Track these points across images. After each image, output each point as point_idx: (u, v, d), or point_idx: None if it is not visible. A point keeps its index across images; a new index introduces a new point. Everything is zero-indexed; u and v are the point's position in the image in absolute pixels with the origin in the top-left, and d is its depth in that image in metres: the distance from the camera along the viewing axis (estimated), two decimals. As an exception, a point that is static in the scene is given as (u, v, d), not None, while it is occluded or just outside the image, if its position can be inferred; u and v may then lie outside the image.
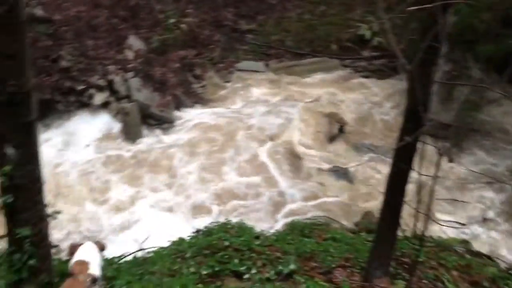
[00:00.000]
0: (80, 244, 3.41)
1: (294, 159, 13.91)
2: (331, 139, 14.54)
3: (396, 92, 15.46)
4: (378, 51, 17.07)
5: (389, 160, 4.78)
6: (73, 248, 3.40)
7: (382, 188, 4.82)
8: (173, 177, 12.67)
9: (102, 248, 3.36)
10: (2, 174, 3.10)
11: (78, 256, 3.28)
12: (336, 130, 14.70)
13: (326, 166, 13.52)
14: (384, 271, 4.87)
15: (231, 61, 17.73)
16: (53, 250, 3.69)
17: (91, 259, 3.29)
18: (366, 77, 17.03)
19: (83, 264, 3.26)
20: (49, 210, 3.55)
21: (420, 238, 5.35)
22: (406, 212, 5.40)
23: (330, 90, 16.63)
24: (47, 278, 3.53)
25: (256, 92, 16.48)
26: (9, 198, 3.19)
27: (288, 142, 14.32)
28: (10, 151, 3.11)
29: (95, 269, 3.23)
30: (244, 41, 18.29)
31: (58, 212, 3.63)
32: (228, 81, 17.13)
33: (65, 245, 4.34)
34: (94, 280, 3.18)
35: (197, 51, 17.04)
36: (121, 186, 12.23)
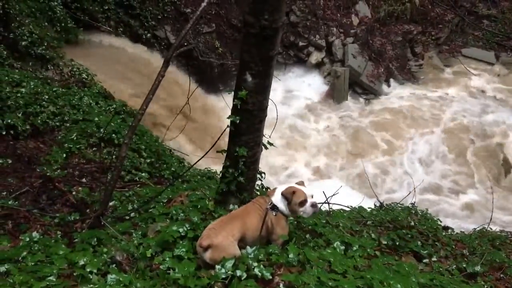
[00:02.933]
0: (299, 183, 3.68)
1: (502, 165, 12.56)
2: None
3: None
4: None
5: None
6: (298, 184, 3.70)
7: None
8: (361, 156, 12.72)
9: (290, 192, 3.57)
10: (238, 97, 3.51)
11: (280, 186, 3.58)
12: None
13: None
14: None
15: (458, 45, 16.44)
16: (258, 176, 4.11)
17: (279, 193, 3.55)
18: None
19: (274, 191, 3.54)
20: (264, 140, 3.92)
21: None
22: None
23: None
24: (248, 197, 3.97)
25: (478, 83, 15.08)
26: (237, 119, 3.61)
27: (501, 145, 12.93)
28: (249, 78, 3.49)
29: (276, 200, 3.49)
30: (478, 26, 16.65)
31: (271, 144, 3.99)
32: (448, 65, 15.99)
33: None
34: (274, 206, 3.45)
35: (422, 28, 16.20)
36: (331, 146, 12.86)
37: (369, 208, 6.97)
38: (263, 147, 3.90)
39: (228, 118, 3.75)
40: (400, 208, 7.06)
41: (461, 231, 7.65)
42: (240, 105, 3.60)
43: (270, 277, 3.02)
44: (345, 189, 11.04)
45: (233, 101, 3.61)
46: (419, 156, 12.56)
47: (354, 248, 4.02)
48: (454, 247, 5.23)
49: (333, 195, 5.85)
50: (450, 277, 4.24)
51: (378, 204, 7.58)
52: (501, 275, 5.14)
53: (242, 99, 3.54)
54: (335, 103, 14.06)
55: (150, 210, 4.43)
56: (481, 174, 12.06)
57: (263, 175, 4.16)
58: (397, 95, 14.46)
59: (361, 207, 6.76)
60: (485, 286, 4.48)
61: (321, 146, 12.77)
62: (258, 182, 4.21)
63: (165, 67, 4.37)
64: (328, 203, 5.78)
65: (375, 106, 14.14)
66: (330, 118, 13.61)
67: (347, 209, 6.67)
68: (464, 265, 4.74)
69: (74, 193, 5.22)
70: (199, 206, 4.12)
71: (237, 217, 3.41)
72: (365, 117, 13.80)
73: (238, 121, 3.66)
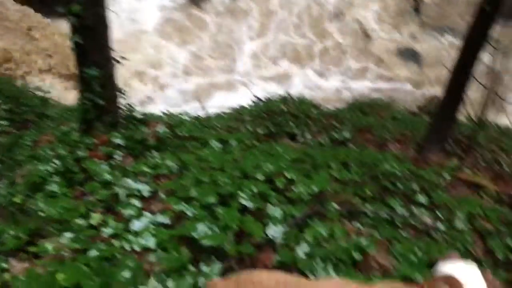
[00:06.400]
0: None
1: (362, 38, 13.34)
2: (405, 18, 13.67)
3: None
4: None
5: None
6: None
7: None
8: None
9: None
10: (71, 13, 3.21)
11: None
12: (410, 8, 13.72)
13: (396, 48, 12.94)
14: (440, 147, 4.82)
15: None
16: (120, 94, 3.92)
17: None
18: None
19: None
20: (115, 55, 3.71)
21: (480, 119, 5.22)
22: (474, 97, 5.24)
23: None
24: (114, 119, 3.82)
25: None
26: (78, 39, 3.34)
27: (358, 19, 13.59)
28: (80, -10, 3.19)
29: None
30: None
31: (124, 58, 3.79)
32: None
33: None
34: None
35: None
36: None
37: (249, 105, 7.10)
38: (115, 63, 3.70)
39: (70, 40, 3.46)
40: (277, 98, 7.26)
41: (336, 108, 8.22)
42: (78, 22, 3.32)
43: (150, 194, 3.02)
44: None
45: (68, 19, 3.31)
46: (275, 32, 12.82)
47: (232, 143, 4.15)
48: (324, 121, 5.62)
49: (206, 102, 5.86)
50: (321, 147, 4.60)
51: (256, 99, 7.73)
52: (370, 136, 5.70)
53: (78, 15, 3.25)
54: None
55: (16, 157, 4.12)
56: (346, 45, 12.73)
57: (124, 92, 3.98)
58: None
59: (242, 106, 6.88)
60: (355, 148, 4.94)
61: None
62: (123, 101, 4.03)
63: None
64: (204, 108, 5.82)
65: None
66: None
67: (228, 111, 6.76)
68: (335, 135, 5.17)
69: None
70: (66, 141, 3.90)
71: None
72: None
73: (80, 41, 3.39)
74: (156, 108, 7.42)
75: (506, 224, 3.54)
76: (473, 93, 5.21)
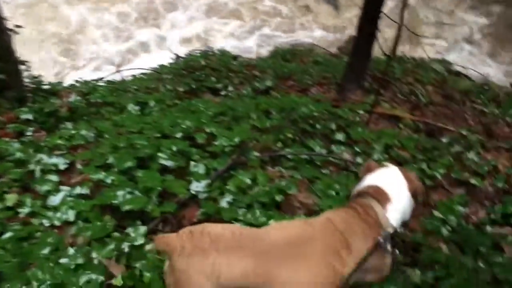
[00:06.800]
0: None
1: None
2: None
3: None
4: None
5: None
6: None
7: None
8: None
9: None
10: None
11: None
12: None
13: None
14: (358, 84, 4.96)
15: None
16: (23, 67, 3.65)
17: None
18: None
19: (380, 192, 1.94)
20: (10, 25, 3.41)
21: (395, 54, 5.40)
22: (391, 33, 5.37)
23: None
24: (19, 93, 3.57)
25: None
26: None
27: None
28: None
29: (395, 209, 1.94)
30: None
31: (20, 26, 3.50)
32: None
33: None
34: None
35: None
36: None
37: (169, 64, 6.89)
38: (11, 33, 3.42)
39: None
40: (198, 54, 7.11)
41: (258, 57, 8.16)
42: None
43: (67, 167, 2.90)
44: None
45: None
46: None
47: (151, 105, 4.04)
48: (246, 72, 5.58)
49: (120, 65, 5.62)
50: (243, 99, 4.58)
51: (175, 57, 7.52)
52: (292, 83, 5.75)
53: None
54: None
55: None
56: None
57: (26, 64, 3.71)
58: None
59: (161, 65, 6.67)
60: (277, 95, 4.96)
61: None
62: (27, 74, 3.77)
63: None
64: (121, 71, 5.58)
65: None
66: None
67: (148, 71, 6.54)
68: (257, 85, 5.16)
69: None
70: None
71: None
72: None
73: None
74: (74, 78, 7.05)
75: (421, 151, 3.76)
76: (390, 29, 5.34)
